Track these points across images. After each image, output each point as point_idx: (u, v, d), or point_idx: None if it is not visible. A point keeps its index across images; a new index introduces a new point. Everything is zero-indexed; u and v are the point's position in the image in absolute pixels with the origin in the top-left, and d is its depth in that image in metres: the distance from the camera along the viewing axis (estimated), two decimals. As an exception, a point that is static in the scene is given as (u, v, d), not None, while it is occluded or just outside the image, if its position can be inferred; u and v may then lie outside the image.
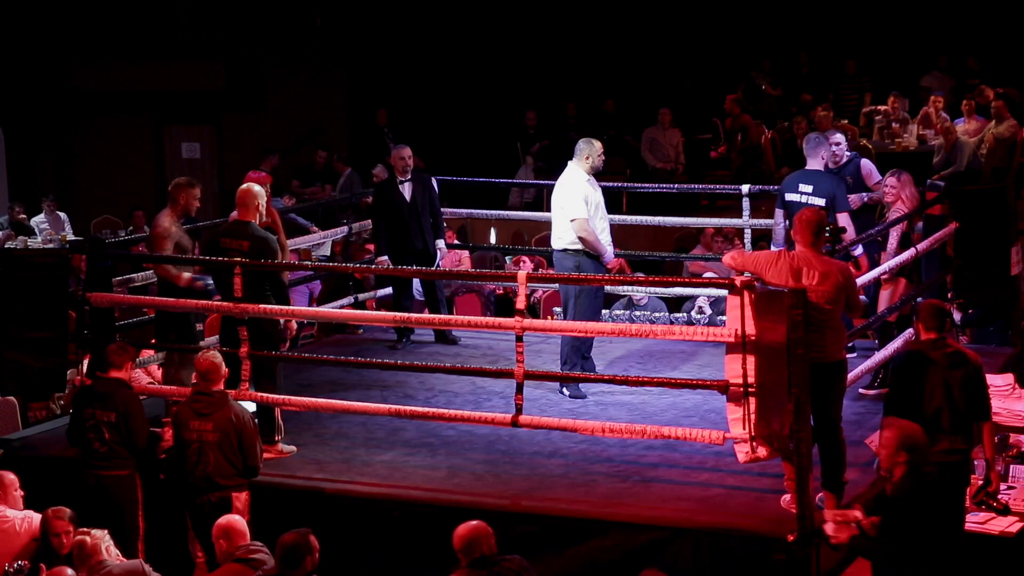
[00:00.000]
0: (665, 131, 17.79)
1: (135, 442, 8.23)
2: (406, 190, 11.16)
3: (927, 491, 6.61)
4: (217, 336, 9.76)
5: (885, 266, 9.54)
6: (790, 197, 9.84)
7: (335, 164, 18.65)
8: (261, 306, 8.70)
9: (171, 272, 9.25)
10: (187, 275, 9.22)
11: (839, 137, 10.57)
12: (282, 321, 9.15)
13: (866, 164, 10.75)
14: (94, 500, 8.18)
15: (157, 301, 9.37)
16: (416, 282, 11.98)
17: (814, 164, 9.93)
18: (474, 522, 6.65)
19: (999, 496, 7.83)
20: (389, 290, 11.89)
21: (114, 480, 8.19)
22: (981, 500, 7.75)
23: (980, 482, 7.87)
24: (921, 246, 10.01)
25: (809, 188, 9.75)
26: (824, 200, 9.64)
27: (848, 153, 10.71)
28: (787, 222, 9.63)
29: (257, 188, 8.99)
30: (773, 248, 9.97)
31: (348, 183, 17.92)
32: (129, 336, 9.77)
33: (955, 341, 8.34)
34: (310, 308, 11.91)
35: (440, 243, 11.24)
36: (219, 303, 8.96)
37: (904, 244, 9.77)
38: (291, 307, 8.69)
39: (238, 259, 8.68)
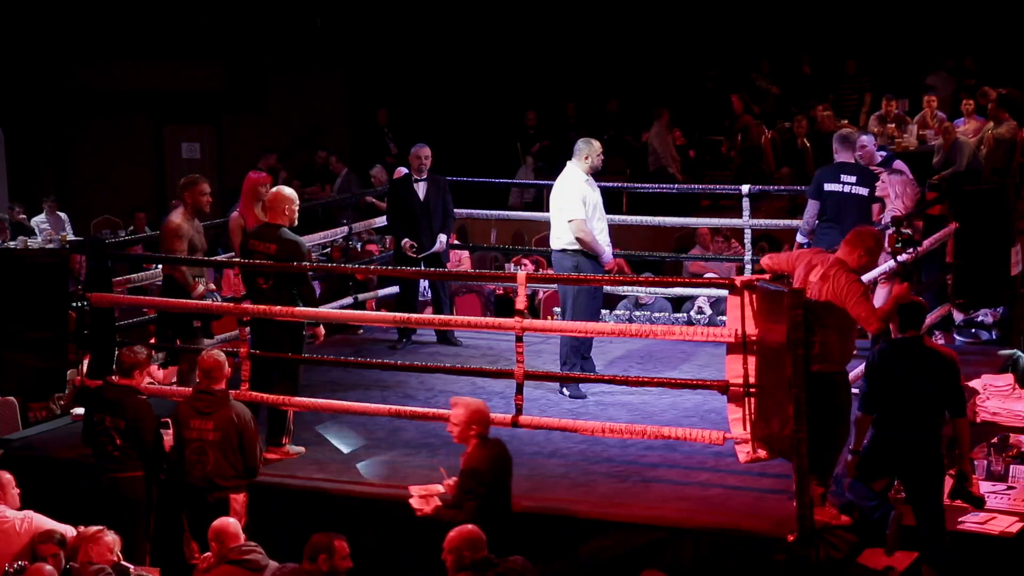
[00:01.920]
0: (670, 131, 17.86)
1: (146, 449, 8.22)
2: (420, 189, 11.18)
3: (498, 459, 7.16)
4: (226, 334, 9.78)
5: (885, 266, 9.56)
6: (830, 187, 9.92)
7: (332, 164, 18.66)
8: (261, 307, 8.70)
9: (187, 280, 9.25)
10: (201, 288, 9.22)
11: (865, 140, 10.58)
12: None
13: (900, 163, 10.81)
14: (107, 501, 8.18)
15: (157, 301, 9.37)
16: (423, 281, 11.98)
17: (848, 158, 10.00)
18: (468, 527, 6.66)
19: (973, 489, 7.78)
20: (394, 289, 11.90)
21: (128, 481, 8.18)
22: (957, 495, 7.71)
23: (953, 475, 7.84)
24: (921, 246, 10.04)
25: (852, 179, 9.87)
26: (867, 190, 9.78)
27: (882, 152, 10.76)
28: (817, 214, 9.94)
29: (288, 191, 8.95)
30: (799, 237, 10.08)
31: (346, 183, 17.93)
32: (128, 336, 9.77)
33: (930, 339, 8.35)
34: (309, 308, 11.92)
35: (442, 236, 11.23)
36: (220, 304, 8.97)
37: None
38: (290, 308, 8.68)
39: (268, 262, 8.70)
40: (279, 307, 8.75)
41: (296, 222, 8.97)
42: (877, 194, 9.91)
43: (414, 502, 7.29)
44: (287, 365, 8.81)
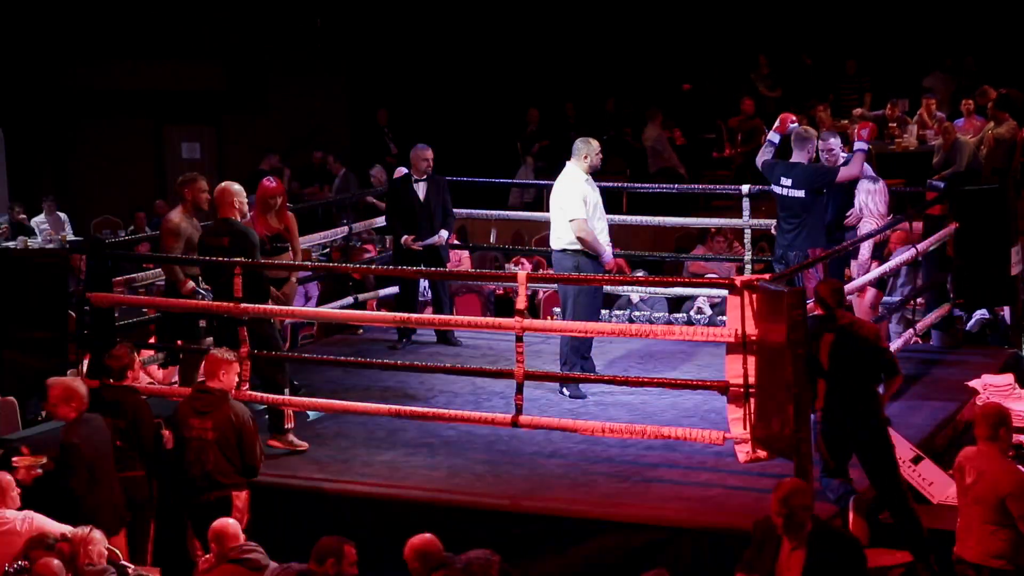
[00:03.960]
0: (668, 130, 17.87)
1: (146, 447, 8.22)
2: (420, 189, 11.18)
3: (94, 433, 7.75)
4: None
5: (874, 274, 9.59)
6: (773, 189, 10.01)
7: (329, 164, 18.66)
8: (262, 306, 8.71)
9: (178, 276, 9.32)
10: (190, 284, 9.29)
11: (832, 143, 10.35)
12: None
13: (864, 167, 10.77)
14: None
15: (157, 301, 9.39)
16: (423, 281, 11.98)
17: (798, 158, 9.96)
18: (424, 536, 6.70)
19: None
20: (393, 289, 11.90)
21: (129, 481, 8.17)
22: None
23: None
24: (921, 246, 10.04)
25: (789, 181, 9.83)
26: (804, 192, 9.71)
27: (844, 155, 10.71)
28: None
29: (234, 187, 9.09)
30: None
31: (344, 183, 17.94)
32: (129, 336, 9.77)
33: (848, 313, 8.31)
34: (310, 308, 11.93)
35: (443, 232, 11.23)
36: (220, 303, 8.98)
37: (877, 255, 9.81)
38: (291, 307, 8.70)
39: (222, 257, 8.80)
40: (275, 307, 8.77)
41: (247, 214, 9.15)
42: (850, 222, 9.98)
43: (19, 474, 7.81)
44: (264, 365, 8.88)
